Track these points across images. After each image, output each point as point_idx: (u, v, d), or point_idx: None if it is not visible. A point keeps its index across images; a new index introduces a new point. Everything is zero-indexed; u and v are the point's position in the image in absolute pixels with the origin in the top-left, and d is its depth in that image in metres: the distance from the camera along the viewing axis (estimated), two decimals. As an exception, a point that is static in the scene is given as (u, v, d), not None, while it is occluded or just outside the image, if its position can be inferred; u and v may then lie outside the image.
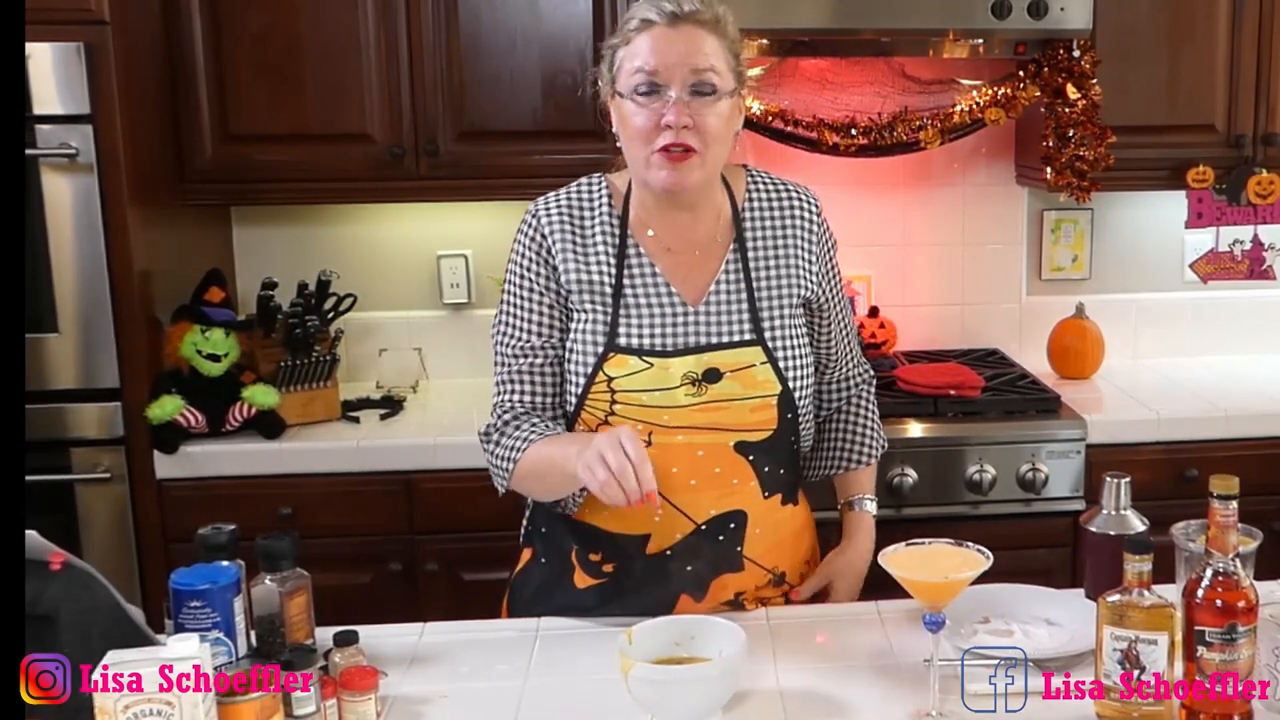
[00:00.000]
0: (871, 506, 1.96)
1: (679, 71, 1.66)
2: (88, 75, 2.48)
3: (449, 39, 2.82)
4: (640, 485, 1.53)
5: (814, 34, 2.84)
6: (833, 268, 1.90)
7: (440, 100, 2.84)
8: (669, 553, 1.77)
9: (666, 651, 1.54)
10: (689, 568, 1.77)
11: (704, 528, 1.77)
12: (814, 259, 1.84)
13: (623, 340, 1.74)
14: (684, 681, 1.46)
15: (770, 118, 2.91)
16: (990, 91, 2.93)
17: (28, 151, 2.46)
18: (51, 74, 2.47)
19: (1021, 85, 2.91)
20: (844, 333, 1.95)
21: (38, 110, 2.48)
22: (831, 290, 1.89)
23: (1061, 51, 2.85)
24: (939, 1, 2.72)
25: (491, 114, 2.85)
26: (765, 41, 2.89)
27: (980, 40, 2.92)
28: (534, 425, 1.76)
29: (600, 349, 1.74)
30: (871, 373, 2.04)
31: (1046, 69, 2.88)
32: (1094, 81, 2.83)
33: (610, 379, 1.73)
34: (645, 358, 1.72)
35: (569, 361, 1.77)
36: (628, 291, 1.76)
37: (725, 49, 1.71)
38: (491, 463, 1.80)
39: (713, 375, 1.73)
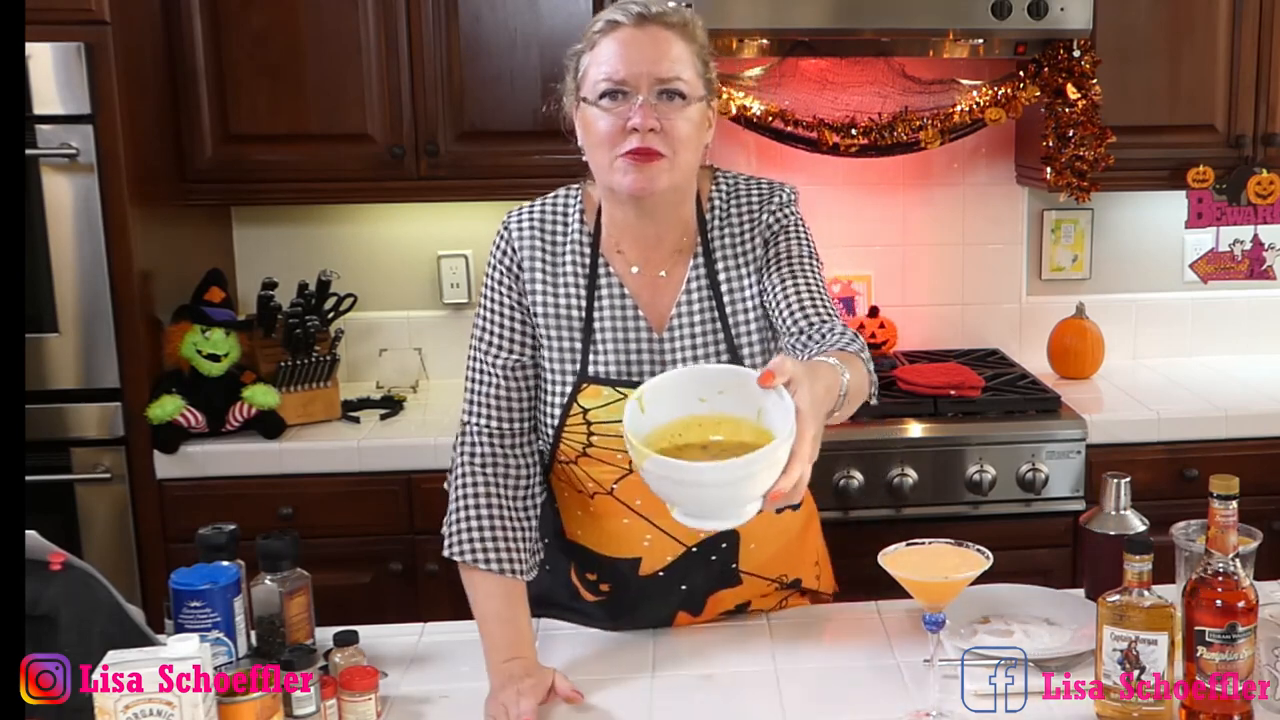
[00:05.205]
0: (842, 369, 1.42)
1: (645, 78, 1.55)
2: (88, 75, 2.48)
3: (449, 39, 2.82)
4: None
5: (814, 34, 2.84)
6: (781, 238, 1.67)
7: (440, 100, 2.83)
8: (661, 574, 1.75)
9: (689, 411, 1.30)
10: (683, 586, 1.75)
11: (695, 550, 1.74)
12: (763, 252, 1.66)
13: (593, 370, 1.66)
14: (708, 484, 1.21)
15: (770, 118, 2.90)
16: (990, 91, 2.93)
17: (28, 151, 2.46)
18: (51, 74, 2.47)
19: (1021, 85, 2.91)
20: (800, 272, 1.65)
21: (38, 110, 2.48)
22: (774, 252, 1.66)
23: (1061, 51, 2.84)
24: (939, 1, 2.72)
25: (491, 114, 2.85)
26: (765, 41, 2.89)
27: (980, 40, 2.92)
28: (493, 500, 1.66)
29: (573, 379, 1.67)
30: (858, 337, 1.61)
31: (1046, 69, 2.88)
32: (1094, 81, 2.83)
33: (585, 410, 1.66)
34: (618, 388, 1.65)
35: (542, 390, 1.70)
36: (596, 319, 1.67)
37: (694, 55, 1.60)
38: (450, 504, 1.68)
39: None
